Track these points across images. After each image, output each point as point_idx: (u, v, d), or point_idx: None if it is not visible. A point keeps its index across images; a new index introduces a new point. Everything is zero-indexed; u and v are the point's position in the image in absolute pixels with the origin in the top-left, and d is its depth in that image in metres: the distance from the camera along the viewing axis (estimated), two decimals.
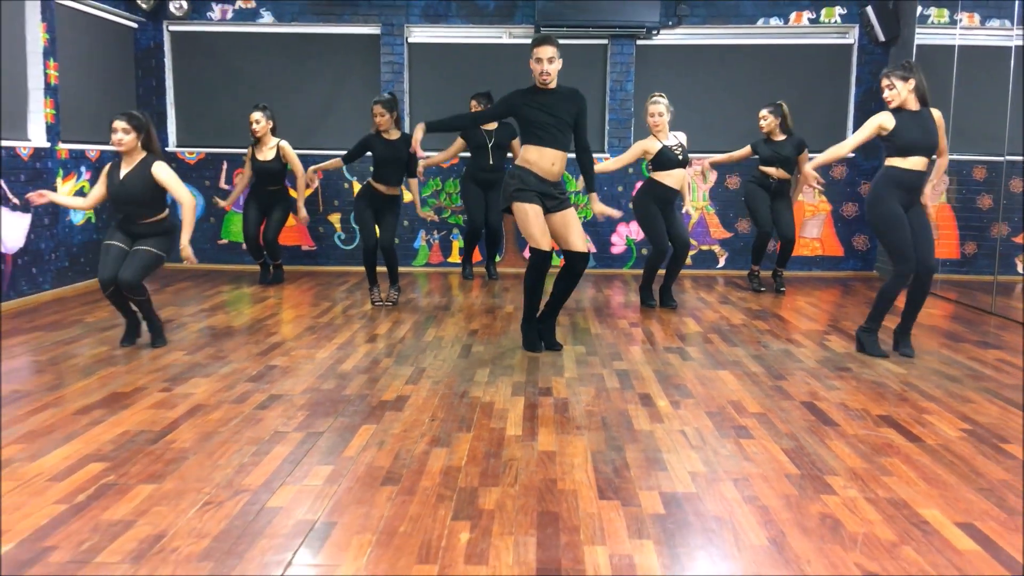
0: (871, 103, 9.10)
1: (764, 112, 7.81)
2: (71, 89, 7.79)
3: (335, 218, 9.36)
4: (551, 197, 5.26)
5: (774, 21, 9.06)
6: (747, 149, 7.95)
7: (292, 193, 8.21)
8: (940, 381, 4.84)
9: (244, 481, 3.27)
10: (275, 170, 7.97)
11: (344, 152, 7.14)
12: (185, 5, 8.91)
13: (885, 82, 5.24)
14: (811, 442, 3.78)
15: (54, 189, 7.44)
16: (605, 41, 9.10)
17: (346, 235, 9.37)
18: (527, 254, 5.24)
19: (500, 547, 2.73)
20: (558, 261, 5.48)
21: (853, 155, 9.20)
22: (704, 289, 8.27)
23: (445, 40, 9.25)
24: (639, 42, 9.11)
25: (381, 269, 7.34)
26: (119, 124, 5.27)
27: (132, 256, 5.34)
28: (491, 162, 8.24)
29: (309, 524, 2.90)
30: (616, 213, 5.96)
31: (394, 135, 6.93)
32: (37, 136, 7.33)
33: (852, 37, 9.13)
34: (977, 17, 8.59)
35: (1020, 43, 7.41)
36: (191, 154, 9.30)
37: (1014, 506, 3.12)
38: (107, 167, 5.46)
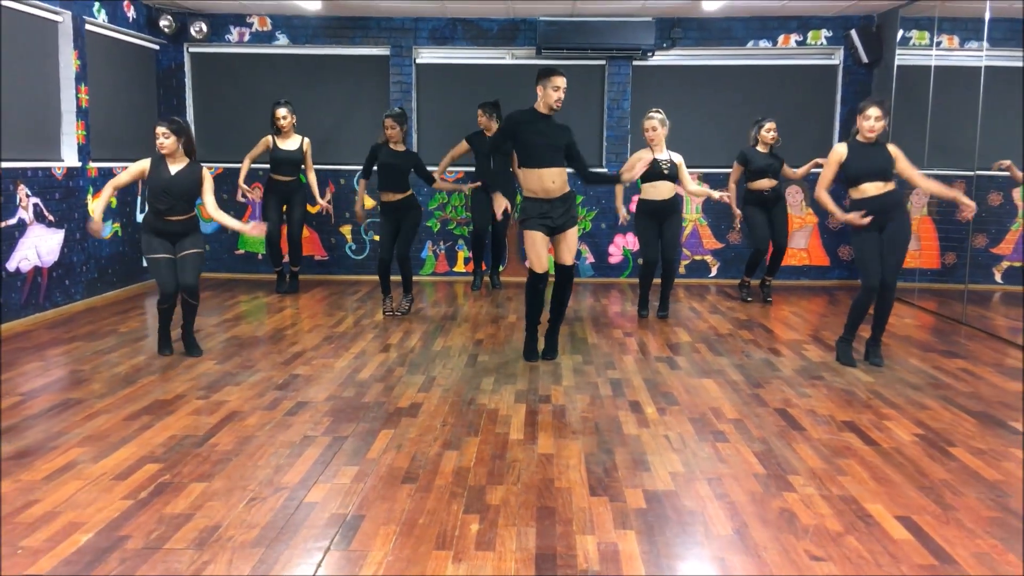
0: (855, 121, 9.55)
1: (772, 124, 8.22)
2: (99, 110, 8.29)
3: (346, 229, 9.86)
4: (559, 219, 5.75)
5: (763, 43, 9.55)
6: (737, 167, 8.39)
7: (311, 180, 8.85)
8: (903, 389, 5.33)
9: (283, 479, 3.77)
10: (296, 160, 8.62)
11: (360, 169, 7.63)
12: (204, 28, 9.40)
13: (877, 112, 5.66)
14: (779, 445, 4.28)
15: (84, 205, 7.96)
16: (603, 62, 9.59)
17: (356, 246, 9.87)
18: (528, 264, 5.80)
19: (505, 536, 3.23)
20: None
21: None
22: (696, 298, 8.77)
23: (451, 61, 9.75)
24: (635, 63, 9.60)
25: (395, 278, 7.82)
26: (160, 129, 5.90)
27: (183, 261, 5.95)
28: (492, 167, 8.71)
29: (341, 517, 3.39)
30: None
31: (400, 148, 7.40)
32: (70, 156, 7.83)
33: (837, 58, 9.62)
34: (956, 39, 9.08)
35: (992, 63, 7.87)
36: (209, 169, 9.71)
37: (949, 503, 3.61)
38: (147, 163, 5.97)
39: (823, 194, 6.02)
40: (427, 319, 7.50)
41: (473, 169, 9.03)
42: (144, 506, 3.47)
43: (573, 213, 5.84)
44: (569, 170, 5.89)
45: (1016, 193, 9.05)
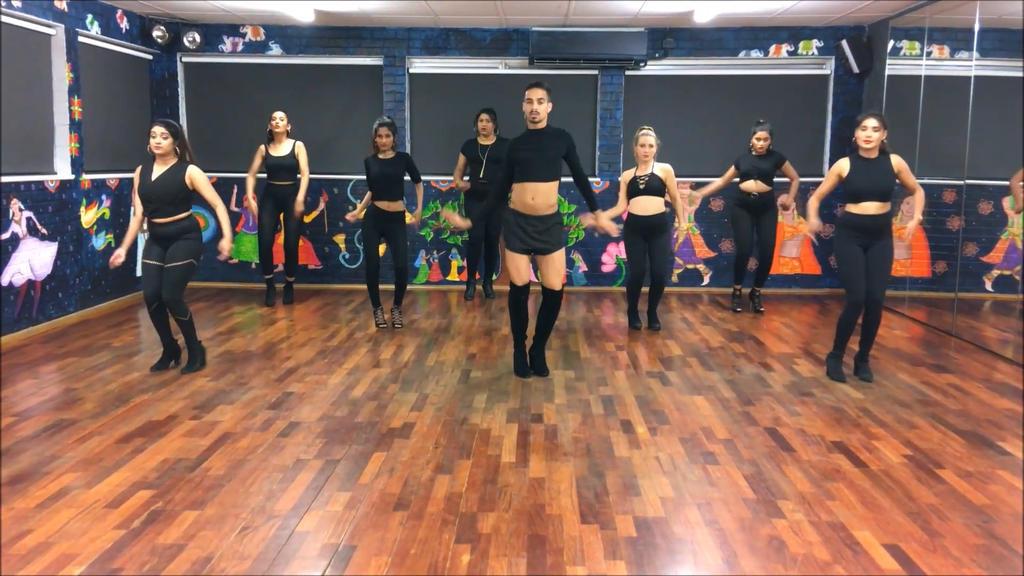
0: (846, 130, 9.63)
1: (764, 132, 8.26)
2: (92, 121, 8.29)
3: (339, 239, 9.88)
4: (537, 241, 5.75)
5: (755, 53, 9.58)
6: (732, 169, 8.44)
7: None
8: (892, 407, 5.37)
9: (275, 507, 3.79)
10: (289, 165, 8.62)
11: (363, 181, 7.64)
12: (198, 38, 9.40)
13: (874, 123, 5.66)
14: (769, 468, 4.32)
15: (78, 218, 7.97)
16: (595, 72, 9.62)
17: (350, 255, 9.89)
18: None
19: (496, 567, 3.26)
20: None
21: None
22: (688, 308, 8.81)
23: (444, 71, 9.77)
24: (628, 73, 9.63)
25: (384, 287, 7.84)
26: (158, 129, 5.85)
27: (166, 274, 5.91)
28: (482, 176, 8.76)
29: (333, 548, 3.42)
30: (614, 231, 6.36)
31: (390, 154, 7.43)
32: (63, 169, 7.84)
33: (829, 68, 9.66)
34: (947, 49, 9.12)
35: (981, 72, 7.91)
36: None
37: (936, 529, 3.64)
38: (139, 169, 5.97)
39: (814, 203, 6.09)
40: (420, 332, 7.53)
41: (467, 178, 9.07)
42: (137, 536, 3.49)
43: (557, 238, 5.81)
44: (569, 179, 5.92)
45: (1006, 202, 9.10)
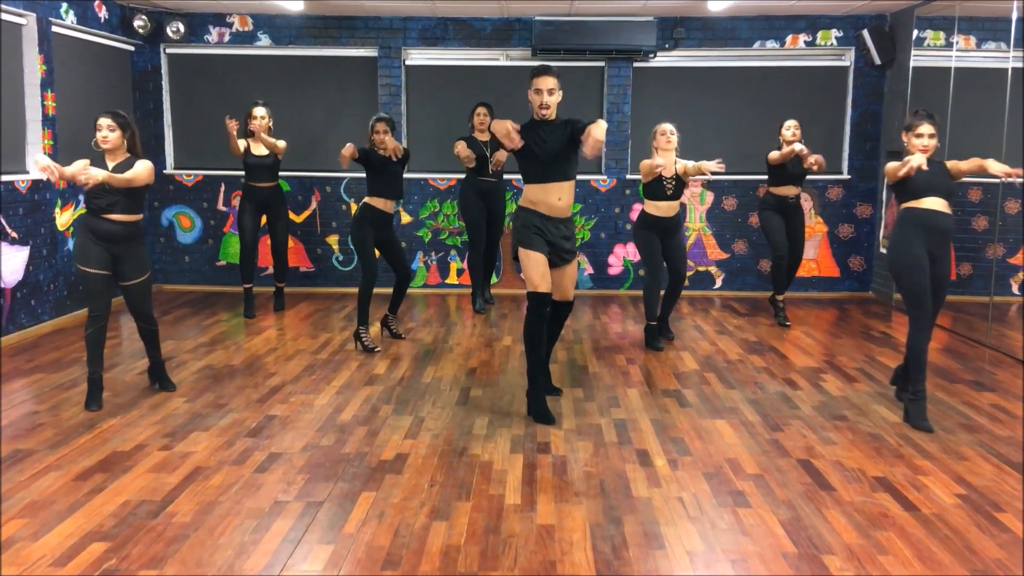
0: (867, 124, 9.15)
1: (794, 121, 7.68)
2: (69, 117, 7.77)
3: (333, 240, 9.38)
4: (560, 248, 5.11)
5: (770, 44, 9.07)
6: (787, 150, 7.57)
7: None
8: (935, 433, 4.87)
9: (244, 565, 3.30)
10: (269, 164, 7.93)
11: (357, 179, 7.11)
12: (182, 28, 8.89)
13: (930, 129, 4.99)
14: (808, 512, 3.82)
15: (52, 219, 7.47)
16: (602, 64, 9.10)
17: (344, 256, 9.39)
18: (527, 284, 5.09)
19: None
20: None
21: (849, 176, 9.27)
22: (700, 314, 8.31)
23: (442, 62, 9.26)
24: (636, 64, 9.12)
25: (379, 291, 7.24)
26: (104, 122, 5.21)
27: (130, 294, 5.36)
28: (489, 171, 8.19)
29: None
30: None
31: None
32: (35, 168, 7.32)
33: (848, 59, 9.15)
34: (973, 40, 8.63)
35: (1019, 65, 7.42)
36: (188, 176, 9.32)
37: None
38: (83, 163, 5.20)
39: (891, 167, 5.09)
40: (417, 342, 7.03)
41: (464, 176, 8.50)
42: None
43: (573, 246, 5.22)
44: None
45: None
